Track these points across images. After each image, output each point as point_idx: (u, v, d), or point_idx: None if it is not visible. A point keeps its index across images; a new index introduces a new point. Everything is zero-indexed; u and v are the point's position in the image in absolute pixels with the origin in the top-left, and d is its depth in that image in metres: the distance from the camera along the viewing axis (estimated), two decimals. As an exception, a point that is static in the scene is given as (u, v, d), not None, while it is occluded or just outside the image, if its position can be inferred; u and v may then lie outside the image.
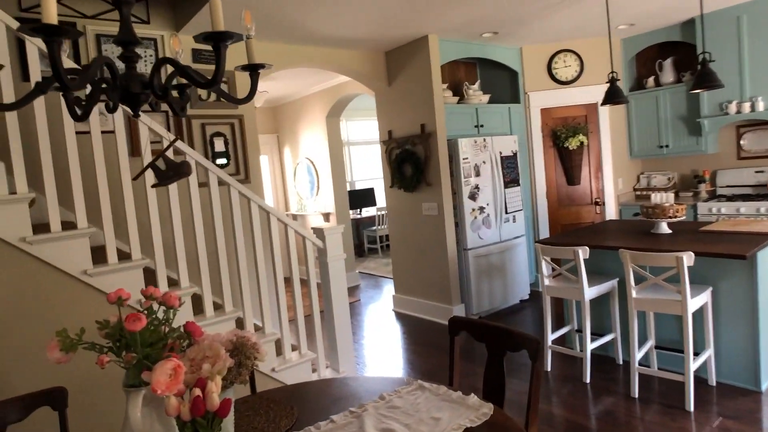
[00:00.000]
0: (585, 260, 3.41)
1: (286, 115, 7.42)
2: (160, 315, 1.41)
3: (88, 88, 1.22)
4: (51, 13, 0.90)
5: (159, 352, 1.19)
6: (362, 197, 8.89)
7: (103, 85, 1.23)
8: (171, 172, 1.20)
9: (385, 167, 5.40)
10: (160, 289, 1.43)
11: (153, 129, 2.75)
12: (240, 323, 3.20)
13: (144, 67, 3.72)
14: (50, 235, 2.46)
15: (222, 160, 4.09)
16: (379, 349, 4.47)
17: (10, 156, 2.40)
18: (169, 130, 3.83)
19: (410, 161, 4.95)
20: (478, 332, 1.94)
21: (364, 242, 9.09)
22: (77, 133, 3.33)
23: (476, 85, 5.36)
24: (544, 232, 5.62)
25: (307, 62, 4.60)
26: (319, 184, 6.89)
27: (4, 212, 2.36)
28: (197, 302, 3.04)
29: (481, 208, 4.92)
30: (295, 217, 7.54)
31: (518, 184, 5.24)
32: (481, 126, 5.15)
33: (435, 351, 4.26)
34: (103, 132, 3.18)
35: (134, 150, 3.65)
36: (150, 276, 2.88)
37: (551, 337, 3.70)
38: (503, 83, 5.66)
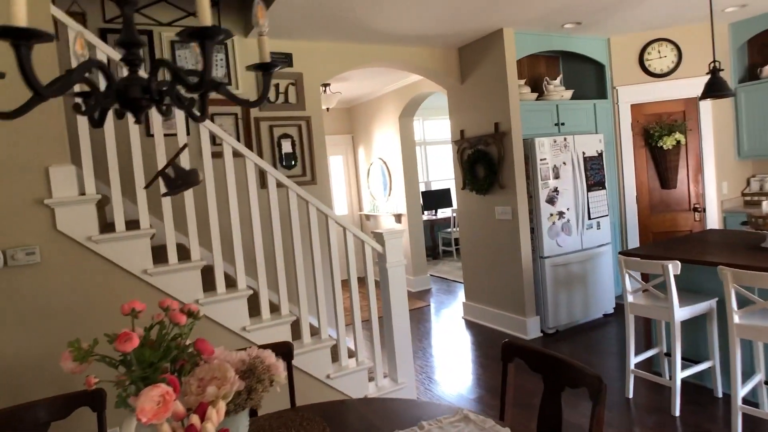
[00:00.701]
0: (677, 276, 2.99)
1: (361, 115, 7.40)
2: (178, 329, 1.35)
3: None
4: (19, 15, 0.83)
5: (156, 374, 1.11)
6: (438, 198, 8.68)
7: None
8: (179, 180, 1.12)
9: (456, 168, 5.17)
10: (176, 302, 1.37)
11: (213, 132, 2.77)
12: (296, 326, 3.16)
13: (215, 71, 3.81)
14: (114, 234, 2.55)
15: (290, 162, 4.10)
16: (445, 359, 4.27)
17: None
18: (237, 132, 3.90)
19: (483, 162, 4.69)
20: (533, 361, 1.71)
21: (439, 244, 8.87)
22: (148, 135, 3.48)
23: (558, 80, 4.98)
24: (633, 241, 5.10)
25: (377, 61, 4.50)
26: (391, 185, 6.79)
27: (73, 212, 2.47)
28: (255, 303, 3.04)
29: (561, 213, 4.54)
30: (368, 217, 7.51)
31: (603, 188, 4.79)
32: (562, 124, 4.77)
33: (503, 366, 3.98)
34: (167, 135, 3.29)
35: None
36: (211, 275, 2.91)
37: (634, 360, 3.30)
38: (588, 77, 5.21)
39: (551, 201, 4.50)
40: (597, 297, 4.76)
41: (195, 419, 1.07)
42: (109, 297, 2.54)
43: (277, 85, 4.04)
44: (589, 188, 4.69)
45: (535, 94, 4.77)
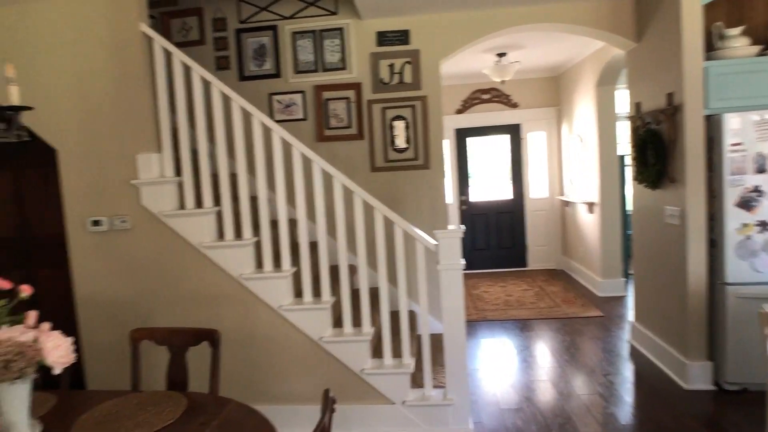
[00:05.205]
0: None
1: (565, 84, 6.37)
2: None
3: None
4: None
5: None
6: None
7: None
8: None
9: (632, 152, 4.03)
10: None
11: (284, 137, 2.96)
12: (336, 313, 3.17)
13: (331, 55, 3.95)
14: (180, 211, 3.05)
15: (401, 144, 3.98)
16: (552, 385, 3.53)
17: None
18: (349, 116, 3.97)
19: (652, 145, 3.53)
20: None
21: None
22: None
23: (809, 21, 3.27)
24: None
25: (513, 26, 3.83)
26: (587, 167, 5.71)
27: (152, 191, 3.05)
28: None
29: (763, 224, 3.08)
30: (567, 203, 6.54)
31: None
32: (792, 90, 3.15)
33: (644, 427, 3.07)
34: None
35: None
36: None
37: (773, 470, 2.10)
38: None
39: (746, 205, 3.09)
40: (830, 356, 3.09)
41: None
42: (177, 261, 3.08)
43: (392, 65, 3.92)
44: (830, 189, 3.01)
45: (758, 48, 3.26)
